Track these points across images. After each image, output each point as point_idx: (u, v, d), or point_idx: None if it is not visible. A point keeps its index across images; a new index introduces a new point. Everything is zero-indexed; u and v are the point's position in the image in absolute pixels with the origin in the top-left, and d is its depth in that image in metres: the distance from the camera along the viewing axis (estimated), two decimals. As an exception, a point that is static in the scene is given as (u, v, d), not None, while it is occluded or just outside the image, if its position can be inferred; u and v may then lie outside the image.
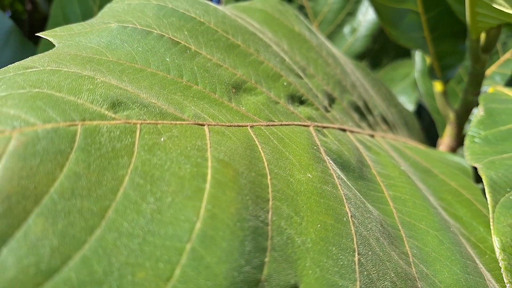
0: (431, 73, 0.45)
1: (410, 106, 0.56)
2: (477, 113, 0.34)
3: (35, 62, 0.19)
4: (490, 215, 0.25)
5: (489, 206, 0.25)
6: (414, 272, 0.20)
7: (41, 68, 0.18)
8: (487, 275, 0.24)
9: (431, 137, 0.51)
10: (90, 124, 0.15)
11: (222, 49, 0.25)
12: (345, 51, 0.56)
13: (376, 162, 0.27)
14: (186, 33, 0.25)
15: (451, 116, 0.44)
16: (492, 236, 0.24)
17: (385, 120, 0.38)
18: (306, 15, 0.57)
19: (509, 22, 0.35)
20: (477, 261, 0.24)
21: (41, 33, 0.23)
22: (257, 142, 0.20)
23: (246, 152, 0.18)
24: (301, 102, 0.27)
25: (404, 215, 0.23)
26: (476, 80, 0.41)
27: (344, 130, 0.29)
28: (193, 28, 0.25)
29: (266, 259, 0.14)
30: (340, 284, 0.15)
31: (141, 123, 0.16)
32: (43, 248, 0.11)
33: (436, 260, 0.21)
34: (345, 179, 0.22)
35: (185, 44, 0.24)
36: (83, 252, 0.12)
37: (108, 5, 0.27)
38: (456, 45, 0.43)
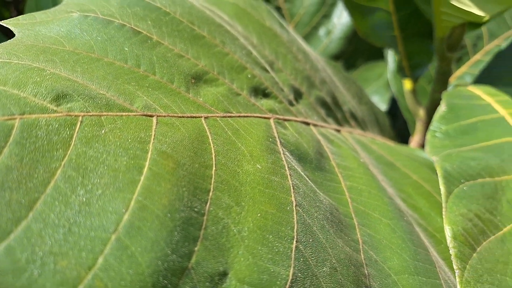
0: (400, 71, 0.45)
1: (382, 106, 0.57)
2: (439, 108, 0.35)
3: (-11, 53, 0.19)
4: (443, 205, 0.25)
5: (442, 197, 0.26)
6: (362, 259, 0.21)
7: (-7, 60, 0.18)
8: (440, 263, 0.24)
9: (406, 136, 0.52)
10: (28, 118, 0.15)
11: (186, 39, 0.26)
12: (320, 52, 0.57)
13: (336, 154, 0.27)
14: (149, 23, 0.25)
15: (421, 113, 0.45)
16: (444, 225, 0.25)
17: (354, 116, 0.38)
18: (282, 16, 0.58)
19: (471, 20, 0.35)
20: (431, 250, 0.24)
21: (3, 21, 0.23)
22: (208, 133, 0.20)
23: (193, 143, 0.19)
24: (265, 95, 0.27)
25: (358, 204, 0.24)
26: (443, 78, 0.41)
27: (307, 123, 0.29)
28: (157, 18, 0.26)
29: (196, 248, 0.15)
30: (272, 270, 0.16)
31: (83, 115, 0.17)
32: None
33: (386, 247, 0.22)
34: (299, 170, 0.23)
35: (147, 34, 0.24)
36: (8, 242, 0.12)
37: None
38: (424, 45, 0.44)
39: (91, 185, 0.14)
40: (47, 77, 0.18)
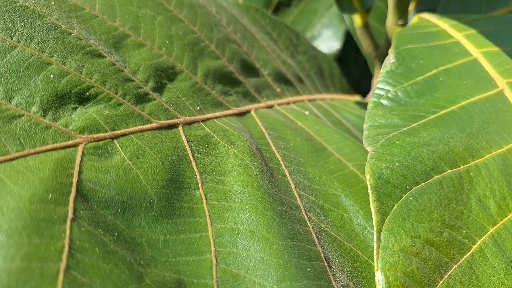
0: (347, 3, 0.36)
1: (336, 43, 0.47)
2: (386, 60, 0.25)
3: None
4: (375, 238, 0.17)
5: (374, 223, 0.18)
6: None
7: None
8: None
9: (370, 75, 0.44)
10: None
11: None
12: None
13: (212, 172, 0.18)
14: None
15: (377, 53, 0.36)
16: (375, 272, 0.17)
17: (282, 78, 0.29)
18: None
19: None
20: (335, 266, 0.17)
21: None
22: None
23: None
24: (84, 100, 0.18)
25: (228, 266, 0.16)
26: (400, 6, 0.32)
27: (172, 126, 0.20)
28: None
29: None
30: None
31: None
32: None
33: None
34: (105, 241, 0.15)
35: None
36: None
37: None
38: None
39: None
40: None
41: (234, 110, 0.23)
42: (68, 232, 0.13)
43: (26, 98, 0.17)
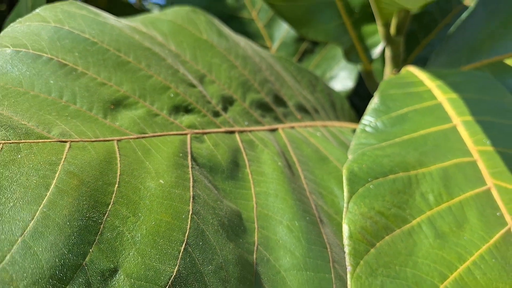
0: (353, 56, 0.51)
1: (349, 83, 0.61)
2: (372, 100, 0.37)
3: None
4: (344, 206, 0.27)
5: (345, 198, 0.27)
6: (254, 258, 0.27)
7: None
8: (339, 260, 0.30)
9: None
10: (-44, 147, 0.21)
11: (110, 67, 0.32)
12: (284, 36, 0.63)
13: (255, 161, 0.33)
14: (76, 54, 0.31)
15: None
16: (343, 225, 0.26)
17: (303, 108, 0.44)
18: (244, 6, 0.64)
19: (406, 7, 0.41)
20: (331, 247, 0.30)
21: None
22: (117, 155, 0.26)
23: (101, 164, 0.25)
24: (188, 111, 0.33)
25: (263, 209, 0.30)
26: (394, 61, 0.47)
27: (232, 132, 0.35)
28: (84, 49, 0.32)
29: (91, 249, 0.21)
30: (157, 267, 0.22)
31: (4, 143, 0.23)
32: None
33: (281, 247, 0.28)
34: (206, 181, 0.29)
35: (73, 65, 0.30)
36: None
37: (11, 24, 0.33)
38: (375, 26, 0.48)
39: (5, 199, 0.20)
40: (-25, 111, 0.24)
41: (268, 127, 0.38)
42: (190, 172, 0.28)
43: (160, 105, 0.31)
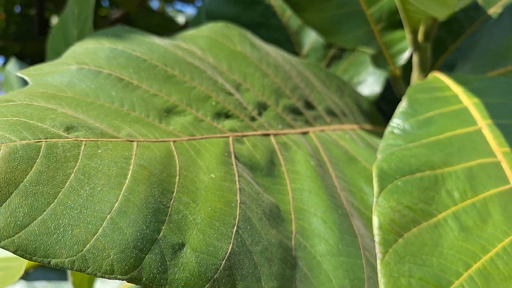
0: (382, 62, 0.54)
1: (377, 88, 0.63)
2: (400, 104, 0.39)
3: (15, 96, 0.30)
4: (374, 201, 0.29)
5: (374, 193, 0.29)
6: (293, 244, 0.31)
7: (19, 102, 0.29)
8: (370, 248, 0.34)
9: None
10: (50, 141, 0.26)
11: (160, 80, 0.37)
12: (313, 42, 0.67)
13: (289, 160, 0.37)
14: (131, 70, 0.36)
15: None
16: (373, 217, 0.28)
17: (332, 112, 0.48)
18: (274, 13, 0.68)
19: (434, 16, 0.44)
20: (362, 237, 0.34)
21: (19, 72, 0.34)
22: (175, 153, 0.31)
23: (163, 160, 0.29)
24: (227, 116, 0.38)
25: (298, 203, 0.34)
26: (422, 67, 0.50)
27: (267, 135, 0.39)
28: (137, 66, 0.37)
29: (163, 227, 0.25)
30: (216, 244, 0.26)
31: (86, 140, 0.27)
32: (18, 213, 0.22)
33: (316, 235, 0.32)
34: (248, 177, 0.33)
35: (129, 80, 0.35)
36: (42, 216, 0.23)
37: (71, 47, 0.38)
38: (403, 33, 0.50)
39: (93, 184, 0.25)
40: (59, 115, 0.28)
41: (299, 130, 0.42)
42: (235, 169, 0.32)
43: (204, 112, 0.36)
